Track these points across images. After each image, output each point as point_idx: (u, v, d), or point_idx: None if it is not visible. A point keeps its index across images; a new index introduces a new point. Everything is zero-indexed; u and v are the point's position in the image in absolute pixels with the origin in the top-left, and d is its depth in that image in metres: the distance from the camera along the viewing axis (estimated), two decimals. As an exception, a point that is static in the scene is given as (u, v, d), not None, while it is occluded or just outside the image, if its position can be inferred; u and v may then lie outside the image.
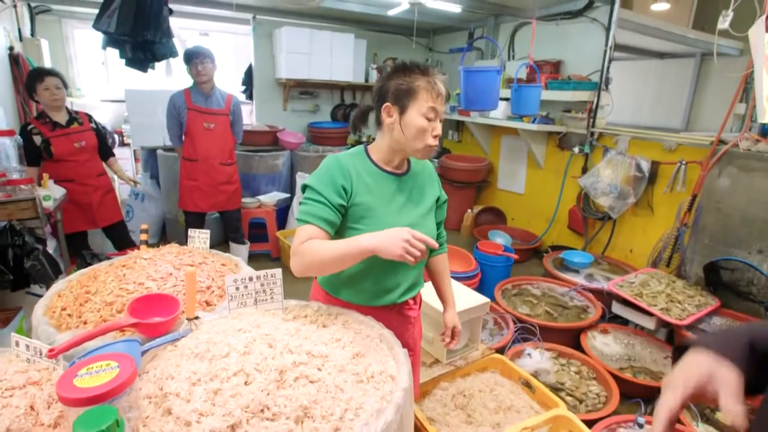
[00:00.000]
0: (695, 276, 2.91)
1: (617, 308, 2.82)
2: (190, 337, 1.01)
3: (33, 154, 2.73)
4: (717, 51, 2.78)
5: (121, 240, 3.27)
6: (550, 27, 4.17)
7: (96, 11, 2.84)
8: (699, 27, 4.49)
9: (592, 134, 3.79)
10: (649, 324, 2.62)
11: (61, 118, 2.85)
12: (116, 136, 5.14)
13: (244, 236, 3.78)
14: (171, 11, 3.00)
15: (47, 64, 3.95)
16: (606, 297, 2.91)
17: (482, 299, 2.10)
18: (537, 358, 2.41)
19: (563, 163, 4.12)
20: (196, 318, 1.11)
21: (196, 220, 3.36)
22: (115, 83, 5.11)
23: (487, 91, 3.20)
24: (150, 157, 4.39)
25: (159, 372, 0.88)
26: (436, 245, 1.11)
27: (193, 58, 3.01)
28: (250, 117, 5.16)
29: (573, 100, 3.80)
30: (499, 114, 4.30)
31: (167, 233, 4.31)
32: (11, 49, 3.39)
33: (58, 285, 1.36)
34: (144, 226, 1.69)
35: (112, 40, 2.96)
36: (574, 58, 4.06)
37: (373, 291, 1.30)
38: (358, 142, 4.95)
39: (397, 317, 1.38)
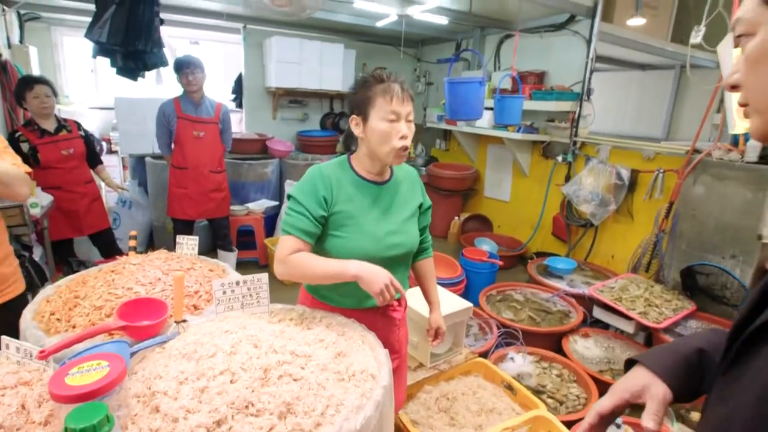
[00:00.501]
0: (673, 281, 3.00)
1: (598, 313, 2.89)
2: (178, 339, 1.05)
3: (20, 162, 2.74)
4: (695, 63, 2.91)
5: (108, 248, 3.27)
6: (534, 39, 4.29)
7: (85, 19, 2.88)
8: (677, 40, 4.65)
9: (575, 143, 3.90)
10: (628, 327, 2.70)
11: (50, 125, 2.86)
12: (104, 144, 5.13)
13: (232, 243, 3.80)
14: (162, 21, 3.04)
15: (35, 71, 3.96)
16: (587, 302, 2.98)
17: (466, 304, 2.15)
18: (519, 361, 2.46)
19: (547, 171, 4.21)
20: (184, 321, 1.14)
21: (185, 227, 3.38)
22: (103, 91, 5.12)
23: (470, 102, 3.28)
24: (138, 165, 4.39)
25: (147, 372, 0.91)
26: (405, 295, 1.19)
27: (184, 67, 3.05)
28: (239, 125, 5.20)
29: (556, 110, 3.91)
30: (485, 123, 4.40)
31: (155, 241, 4.31)
32: (-1, 55, 3.41)
33: (47, 290, 1.38)
34: (133, 233, 1.71)
35: (102, 50, 2.98)
36: (558, 69, 4.18)
37: (358, 295, 1.35)
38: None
39: (382, 319, 1.42)
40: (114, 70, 3.13)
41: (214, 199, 3.41)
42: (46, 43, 4.57)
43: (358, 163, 1.36)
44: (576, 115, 3.83)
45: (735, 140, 2.76)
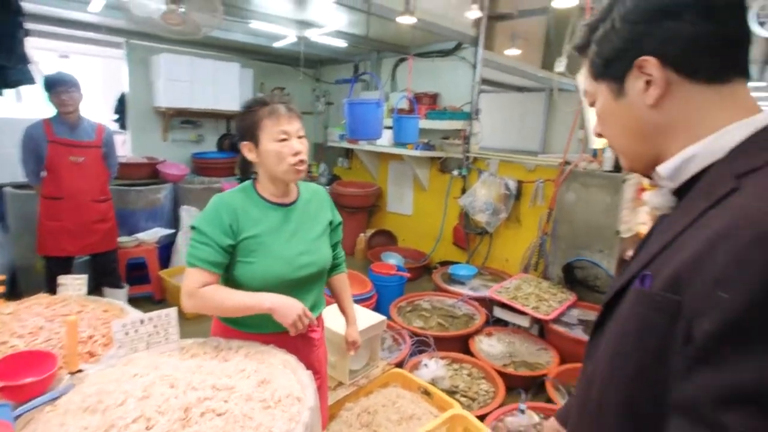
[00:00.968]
0: (557, 276, 3.41)
1: (498, 312, 3.16)
2: (75, 392, 0.94)
3: None
4: (561, 87, 3.38)
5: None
6: (426, 63, 4.62)
7: None
8: (547, 67, 5.38)
9: (468, 158, 4.25)
10: (524, 322, 2.99)
11: None
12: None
13: (122, 279, 3.44)
14: (28, 32, 2.67)
15: None
16: (488, 303, 3.25)
17: (379, 317, 2.22)
18: (433, 367, 2.59)
19: (445, 185, 4.52)
20: (80, 371, 1.02)
21: (61, 265, 2.95)
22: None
23: (369, 122, 3.42)
24: (-5, 196, 3.76)
25: (39, 434, 0.81)
26: (316, 325, 1.28)
27: (57, 86, 2.72)
28: (123, 148, 4.74)
29: (450, 129, 4.24)
30: (386, 141, 4.58)
31: (19, 284, 3.67)
32: None
33: None
34: (1, 277, 1.48)
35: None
36: (449, 91, 4.55)
37: (274, 319, 1.33)
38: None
39: (301, 341, 1.41)
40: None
41: (98, 231, 3.06)
42: None
43: (261, 187, 1.36)
44: (467, 133, 4.19)
45: (594, 153, 3.26)
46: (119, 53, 4.54)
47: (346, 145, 5.20)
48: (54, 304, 1.36)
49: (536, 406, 2.23)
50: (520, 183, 3.86)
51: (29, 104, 4.33)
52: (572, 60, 3.30)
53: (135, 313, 1.43)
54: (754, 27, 2.24)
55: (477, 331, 3.03)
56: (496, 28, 4.77)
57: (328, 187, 5.17)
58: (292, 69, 5.59)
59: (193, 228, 1.26)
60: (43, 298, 1.42)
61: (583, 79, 2.85)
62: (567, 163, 3.39)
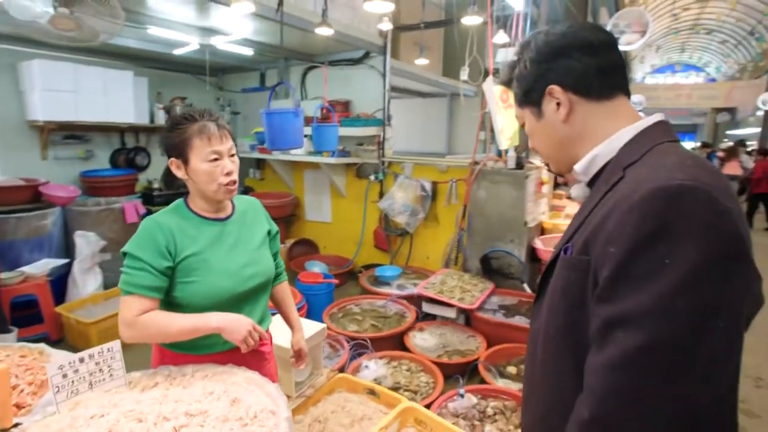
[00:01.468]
0: (475, 268, 3.68)
1: (427, 307, 3.32)
2: (14, 447, 0.83)
3: None
4: (464, 93, 3.66)
5: None
6: (337, 71, 4.69)
7: None
8: (447, 74, 5.77)
9: (383, 163, 4.40)
10: (451, 314, 3.19)
11: None
12: None
13: (6, 322, 2.97)
14: None
15: None
16: (417, 300, 3.39)
17: (320, 325, 2.21)
18: (374, 367, 2.65)
19: (363, 190, 4.62)
20: (15, 426, 0.90)
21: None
22: None
23: (288, 131, 3.37)
24: None
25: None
26: (267, 339, 1.29)
27: None
28: (-9, 169, 4.08)
29: (364, 135, 4.35)
30: (300, 150, 4.54)
31: None
32: None
33: None
34: None
35: None
36: (360, 98, 4.66)
37: (222, 338, 1.29)
38: (148, 189, 4.48)
39: (252, 356, 1.38)
40: None
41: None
42: None
43: (194, 204, 1.33)
44: (381, 139, 4.33)
45: (499, 152, 3.58)
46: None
47: (257, 155, 5.05)
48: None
49: (473, 388, 2.40)
50: (434, 184, 4.09)
51: None
52: (473, 69, 3.61)
53: (58, 354, 1.28)
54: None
55: (409, 328, 3.15)
56: (401, 38, 5.02)
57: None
58: (192, 77, 5.29)
59: (124, 254, 1.19)
60: (-67, 351, 1.20)
61: (488, 87, 3.15)
62: (476, 163, 3.68)
